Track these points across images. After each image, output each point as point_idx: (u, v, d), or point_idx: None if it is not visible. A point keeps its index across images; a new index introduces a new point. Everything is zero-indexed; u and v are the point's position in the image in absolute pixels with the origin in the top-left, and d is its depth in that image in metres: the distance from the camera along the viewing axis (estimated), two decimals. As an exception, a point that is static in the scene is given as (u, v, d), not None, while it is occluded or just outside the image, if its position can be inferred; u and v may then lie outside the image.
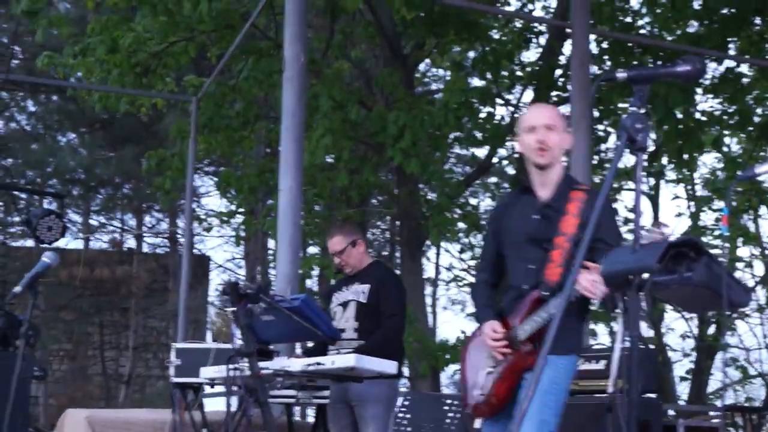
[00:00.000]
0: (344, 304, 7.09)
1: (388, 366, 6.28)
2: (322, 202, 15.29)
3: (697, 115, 14.45)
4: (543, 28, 15.12)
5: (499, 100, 15.28)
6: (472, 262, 20.11)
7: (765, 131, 14.07)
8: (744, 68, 14.10)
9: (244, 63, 13.37)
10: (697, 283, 3.13)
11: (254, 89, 13.63)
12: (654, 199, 21.61)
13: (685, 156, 14.85)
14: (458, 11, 13.01)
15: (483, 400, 5.08)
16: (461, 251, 20.06)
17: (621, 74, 3.33)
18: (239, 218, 17.93)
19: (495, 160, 16.50)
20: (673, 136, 13.68)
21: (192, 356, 7.62)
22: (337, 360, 6.20)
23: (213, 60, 13.96)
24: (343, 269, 7.17)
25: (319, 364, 6.15)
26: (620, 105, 14.06)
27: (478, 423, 5.26)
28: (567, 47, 14.44)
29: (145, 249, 27.31)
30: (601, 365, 7.39)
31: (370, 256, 7.42)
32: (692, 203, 21.24)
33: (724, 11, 13.50)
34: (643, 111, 3.21)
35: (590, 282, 4.59)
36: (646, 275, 3.15)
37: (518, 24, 15.04)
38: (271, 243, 23.68)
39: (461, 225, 16.14)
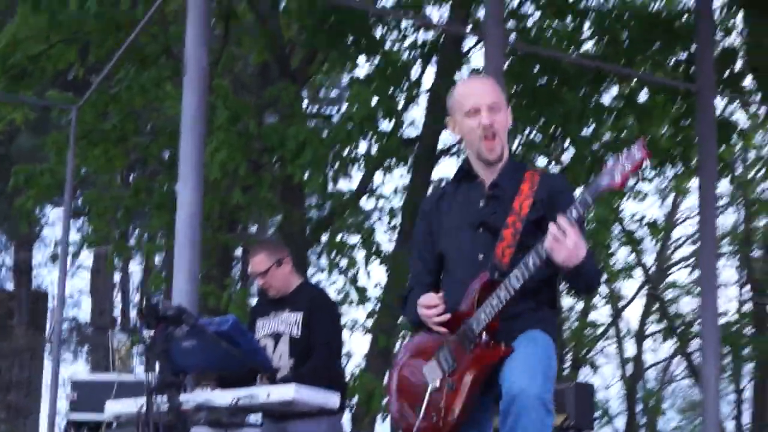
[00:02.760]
0: (275, 336, 6.27)
1: (332, 398, 5.59)
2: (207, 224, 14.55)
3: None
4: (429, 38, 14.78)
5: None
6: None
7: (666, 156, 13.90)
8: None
9: (127, 70, 12.57)
10: None
11: (137, 99, 12.80)
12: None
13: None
14: (354, 17, 12.55)
15: (443, 422, 4.22)
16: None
17: None
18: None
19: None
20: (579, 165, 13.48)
21: (91, 390, 6.87)
22: (273, 392, 5.45)
23: (95, 59, 13.24)
24: (267, 292, 6.36)
25: (251, 396, 5.44)
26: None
27: None
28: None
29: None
30: None
31: (297, 275, 6.60)
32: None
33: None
34: None
35: (556, 231, 3.97)
36: None
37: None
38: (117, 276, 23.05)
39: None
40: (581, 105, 12.92)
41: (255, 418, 6.02)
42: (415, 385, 4.38)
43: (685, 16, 13.70)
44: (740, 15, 14.14)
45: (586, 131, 13.62)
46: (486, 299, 4.21)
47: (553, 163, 15.65)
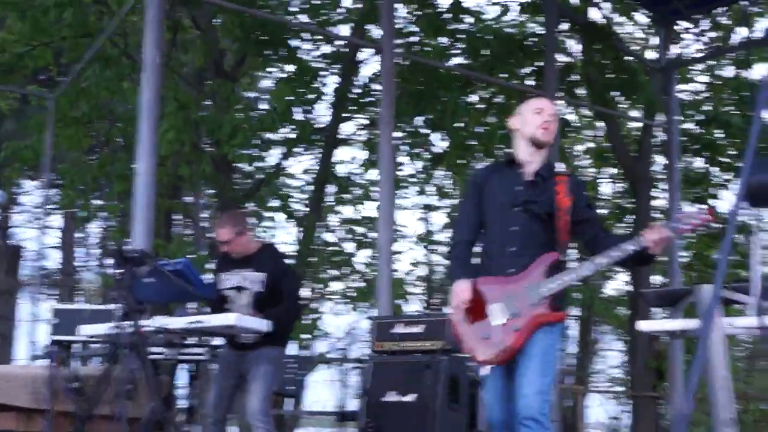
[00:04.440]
0: (238, 289, 6.12)
1: (264, 324, 5.62)
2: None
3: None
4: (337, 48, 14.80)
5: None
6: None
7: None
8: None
9: (94, 69, 12.45)
10: None
11: (102, 92, 12.68)
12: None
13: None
14: (276, 31, 12.58)
15: (499, 350, 4.40)
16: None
17: None
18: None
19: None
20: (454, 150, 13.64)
21: (68, 316, 6.81)
22: (215, 318, 5.48)
23: (67, 60, 13.04)
24: (230, 254, 6.16)
25: (199, 322, 5.44)
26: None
27: (485, 370, 4.57)
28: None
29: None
30: (420, 329, 6.94)
31: (256, 240, 6.49)
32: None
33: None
34: None
35: (658, 238, 4.30)
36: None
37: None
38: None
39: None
40: (454, 104, 13.04)
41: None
42: (478, 318, 4.48)
43: (535, 38, 13.93)
44: (576, 39, 14.48)
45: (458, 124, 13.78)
46: (553, 273, 4.41)
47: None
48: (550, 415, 4.32)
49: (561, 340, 4.51)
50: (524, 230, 4.47)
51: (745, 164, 2.19)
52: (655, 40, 13.28)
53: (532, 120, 4.59)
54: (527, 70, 14.03)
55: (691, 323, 4.72)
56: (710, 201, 16.21)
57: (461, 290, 4.44)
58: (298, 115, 13.63)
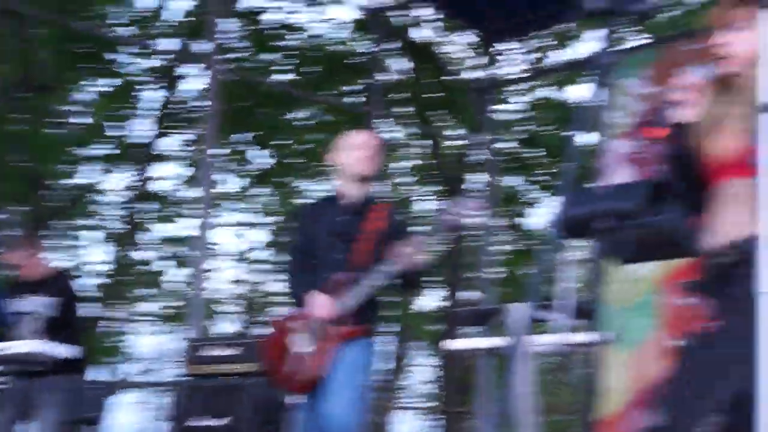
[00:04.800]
0: (30, 314, 6.01)
1: (75, 350, 5.43)
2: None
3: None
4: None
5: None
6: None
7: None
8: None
9: None
10: (670, 227, 2.45)
11: None
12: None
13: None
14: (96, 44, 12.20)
15: (302, 378, 4.65)
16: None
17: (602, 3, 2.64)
18: None
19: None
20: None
21: None
22: (25, 345, 5.24)
23: None
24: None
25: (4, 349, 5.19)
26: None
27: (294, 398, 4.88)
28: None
29: None
30: (235, 351, 6.80)
31: (45, 263, 6.32)
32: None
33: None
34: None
35: (406, 254, 4.53)
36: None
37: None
38: None
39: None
40: (278, 121, 12.96)
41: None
42: (285, 349, 4.72)
43: (362, 56, 13.99)
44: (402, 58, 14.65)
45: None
46: (346, 291, 4.63)
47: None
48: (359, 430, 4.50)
49: (367, 356, 4.65)
50: (343, 259, 4.71)
51: (560, 195, 2.21)
52: (478, 61, 13.53)
53: (355, 155, 4.83)
54: (354, 87, 14.09)
55: (499, 341, 4.93)
56: (526, 219, 16.72)
57: (319, 304, 4.64)
58: (118, 130, 13.27)
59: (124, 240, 14.30)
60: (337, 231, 4.79)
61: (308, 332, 4.66)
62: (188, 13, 13.99)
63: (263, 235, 21.10)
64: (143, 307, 19.14)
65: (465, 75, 14.96)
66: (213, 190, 9.42)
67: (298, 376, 4.63)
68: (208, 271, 17.49)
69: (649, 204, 2.34)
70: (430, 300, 22.53)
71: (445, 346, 5.56)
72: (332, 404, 4.42)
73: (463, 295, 14.91)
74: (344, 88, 14.13)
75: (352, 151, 4.83)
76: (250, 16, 12.83)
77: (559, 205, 2.16)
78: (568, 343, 4.74)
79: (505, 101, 15.87)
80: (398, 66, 14.79)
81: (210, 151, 9.44)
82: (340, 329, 4.58)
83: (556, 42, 14.34)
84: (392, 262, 4.53)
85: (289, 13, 12.76)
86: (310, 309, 4.64)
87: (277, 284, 19.79)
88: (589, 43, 14.45)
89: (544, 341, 4.71)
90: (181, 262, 17.29)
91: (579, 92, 14.67)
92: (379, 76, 11.56)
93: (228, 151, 14.38)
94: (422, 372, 27.08)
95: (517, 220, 16.64)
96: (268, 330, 5.00)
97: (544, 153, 15.91)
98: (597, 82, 2.42)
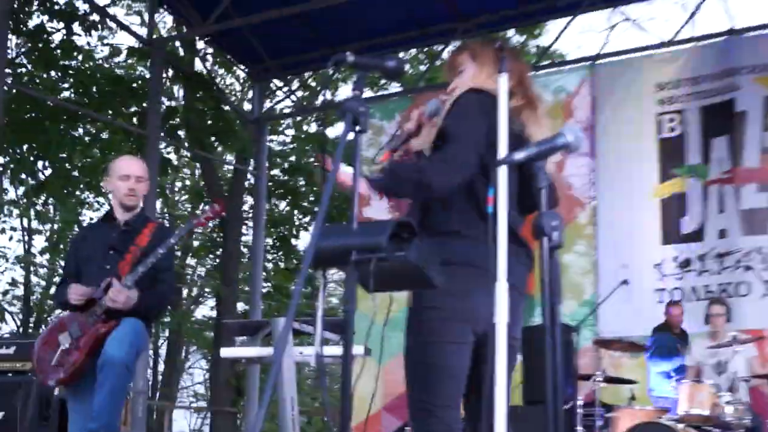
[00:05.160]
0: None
1: None
2: None
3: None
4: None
5: None
6: None
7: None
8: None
9: None
10: (411, 262, 2.48)
11: None
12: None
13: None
14: None
15: (64, 372, 4.64)
16: None
17: (350, 58, 2.63)
18: None
19: None
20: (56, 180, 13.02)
21: None
22: None
23: None
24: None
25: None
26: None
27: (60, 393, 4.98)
28: None
29: None
30: (11, 350, 6.70)
31: None
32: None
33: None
34: (361, 96, 2.59)
35: (112, 294, 4.54)
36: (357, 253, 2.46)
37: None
38: None
39: None
40: (59, 136, 12.44)
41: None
42: (52, 347, 4.71)
43: (141, 81, 13.73)
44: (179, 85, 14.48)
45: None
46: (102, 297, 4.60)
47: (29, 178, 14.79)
48: (119, 427, 4.49)
49: (134, 331, 4.60)
50: (112, 268, 4.69)
51: (315, 228, 2.28)
52: (251, 94, 13.57)
53: (119, 186, 4.81)
54: (133, 109, 13.75)
55: (266, 350, 5.04)
56: (292, 240, 16.85)
57: (75, 290, 4.64)
58: None
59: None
60: (109, 246, 4.76)
61: (70, 329, 4.66)
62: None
63: (41, 241, 20.37)
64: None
65: (240, 106, 14.95)
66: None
67: (63, 367, 4.61)
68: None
69: (394, 241, 2.44)
70: (202, 309, 22.33)
71: (219, 354, 5.53)
72: (94, 403, 4.36)
73: (234, 305, 14.81)
74: (126, 109, 13.75)
75: (118, 181, 4.81)
76: (37, 34, 12.24)
77: (313, 237, 2.22)
78: (327, 354, 4.88)
79: (276, 132, 15.99)
80: (176, 93, 14.61)
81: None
82: (96, 329, 4.58)
83: (321, 83, 14.58)
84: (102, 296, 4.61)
85: (73, 35, 12.26)
86: (68, 299, 4.64)
87: (53, 288, 18.96)
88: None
89: (306, 352, 4.85)
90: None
91: (339, 130, 14.97)
92: (158, 101, 11.38)
93: (6, 159, 13.69)
94: (197, 374, 26.78)
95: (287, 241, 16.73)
96: (41, 331, 4.94)
97: (305, 182, 16.10)
98: (347, 123, 2.49)
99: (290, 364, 4.88)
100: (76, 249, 4.98)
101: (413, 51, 14.32)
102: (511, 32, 13.28)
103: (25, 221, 20.38)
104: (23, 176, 14.46)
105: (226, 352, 5.44)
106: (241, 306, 15.58)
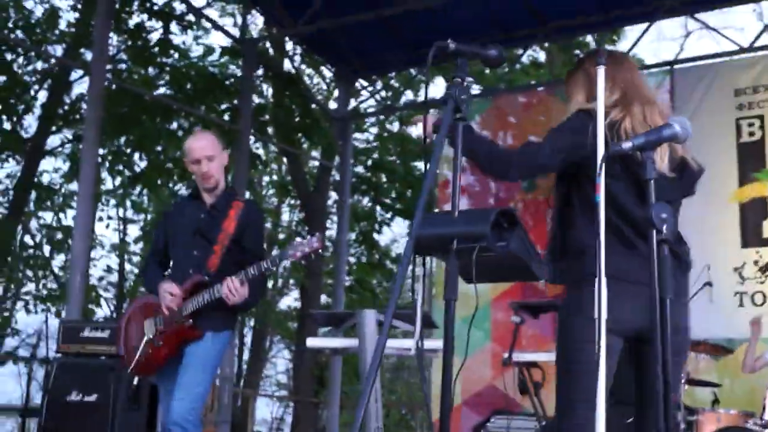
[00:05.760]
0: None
1: None
2: None
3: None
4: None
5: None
6: None
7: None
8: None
9: None
10: (512, 252, 2.43)
11: None
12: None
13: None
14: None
15: (144, 361, 4.48)
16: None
17: (452, 45, 2.54)
18: None
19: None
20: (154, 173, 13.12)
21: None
22: None
23: None
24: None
25: None
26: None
27: (153, 379, 4.68)
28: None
29: None
30: (105, 333, 6.66)
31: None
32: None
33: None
34: (464, 83, 2.49)
35: (231, 289, 4.25)
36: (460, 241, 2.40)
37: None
38: None
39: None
40: (155, 129, 12.63)
41: None
42: (137, 332, 4.52)
43: (233, 78, 13.84)
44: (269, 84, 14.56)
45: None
46: (197, 293, 4.36)
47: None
48: (199, 420, 4.28)
49: (216, 353, 4.39)
50: (200, 255, 4.47)
51: (416, 217, 2.19)
52: (337, 93, 13.57)
53: (194, 170, 4.58)
54: (225, 105, 13.88)
55: (351, 341, 4.87)
56: (374, 235, 16.82)
57: (166, 288, 4.41)
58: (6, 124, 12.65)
59: (7, 225, 13.62)
60: (196, 230, 4.52)
61: (155, 319, 4.46)
62: (76, 22, 13.53)
63: (136, 230, 20.75)
64: (27, 287, 18.43)
65: (326, 105, 14.97)
66: (91, 187, 9.02)
67: (143, 360, 4.47)
68: (91, 260, 17.05)
69: (497, 230, 2.34)
70: (286, 300, 22.47)
71: (306, 344, 5.39)
72: (175, 394, 4.23)
73: (318, 297, 14.85)
74: (218, 105, 13.89)
75: (192, 165, 4.56)
76: (137, 32, 12.43)
77: (416, 224, 2.13)
78: (412, 347, 4.76)
79: (360, 130, 15.98)
80: (265, 90, 14.70)
81: (89, 150, 9.09)
82: (179, 329, 4.36)
83: (404, 84, 14.52)
84: (215, 291, 4.31)
85: (171, 33, 12.43)
86: (158, 298, 4.43)
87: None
88: (437, 87, 14.70)
89: (392, 345, 4.75)
90: (62, 248, 16.73)
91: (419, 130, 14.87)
92: (250, 98, 11.44)
93: (105, 151, 13.94)
94: (279, 364, 26.96)
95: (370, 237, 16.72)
96: (123, 316, 4.76)
97: (388, 179, 16.04)
98: (449, 110, 2.40)
99: (376, 357, 4.71)
100: (166, 225, 4.75)
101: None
102: (589, 38, 13.03)
103: (121, 211, 20.76)
104: (120, 168, 14.72)
105: (312, 342, 5.36)
106: (323, 298, 15.60)
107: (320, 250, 4.39)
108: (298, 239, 4.30)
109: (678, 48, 13.90)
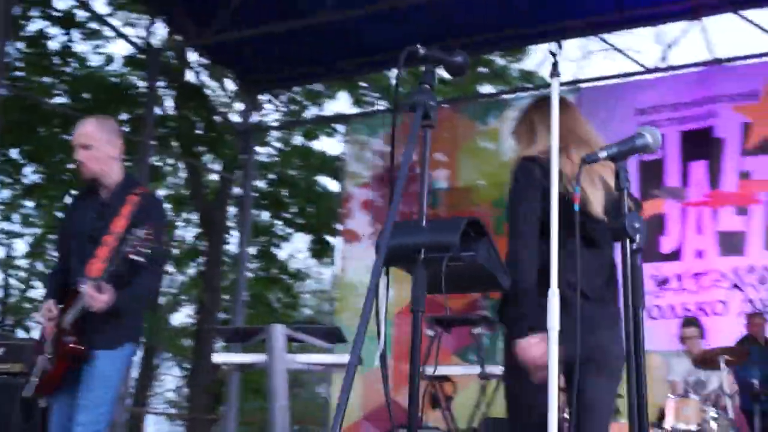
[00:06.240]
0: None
1: None
2: None
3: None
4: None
5: None
6: None
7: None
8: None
9: None
10: (479, 262, 2.33)
11: None
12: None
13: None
14: None
15: (42, 382, 3.98)
16: None
17: (421, 51, 2.41)
18: None
19: None
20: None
21: None
22: None
23: None
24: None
25: None
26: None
27: (43, 402, 4.33)
28: None
29: None
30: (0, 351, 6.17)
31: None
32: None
33: None
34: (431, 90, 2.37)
35: (88, 295, 3.72)
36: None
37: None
38: None
39: None
40: (52, 139, 12.08)
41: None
42: (40, 351, 4.04)
43: (135, 89, 13.39)
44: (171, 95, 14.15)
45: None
46: (74, 305, 3.85)
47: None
48: None
49: (114, 371, 3.89)
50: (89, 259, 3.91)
51: (385, 229, 2.02)
52: (240, 106, 13.26)
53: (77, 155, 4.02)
54: (125, 116, 13.40)
55: (259, 357, 4.64)
56: (272, 249, 16.50)
57: (45, 310, 3.95)
58: None
59: None
60: (87, 232, 3.94)
61: (48, 338, 3.99)
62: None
63: (23, 245, 19.83)
64: None
65: (228, 117, 14.62)
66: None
67: (44, 380, 3.99)
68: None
69: (465, 239, 2.20)
70: (178, 317, 21.88)
71: (202, 359, 5.09)
72: (76, 415, 3.80)
73: (214, 313, 14.41)
74: (118, 116, 13.39)
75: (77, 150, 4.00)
76: (36, 40, 11.87)
77: (385, 233, 1.94)
78: (319, 362, 4.62)
79: (263, 144, 15.67)
80: (168, 102, 14.27)
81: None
82: (67, 344, 3.87)
83: (308, 99, 14.33)
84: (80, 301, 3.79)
85: (70, 41, 11.92)
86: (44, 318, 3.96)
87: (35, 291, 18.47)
88: (338, 102, 14.55)
89: (299, 360, 4.55)
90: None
91: (327, 144, 14.75)
92: (153, 109, 11.04)
93: None
94: (168, 380, 26.21)
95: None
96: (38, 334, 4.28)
97: (289, 193, 15.79)
98: (418, 117, 2.26)
99: (283, 372, 4.52)
100: (63, 227, 4.21)
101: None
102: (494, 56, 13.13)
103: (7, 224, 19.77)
104: (5, 179, 14.01)
105: (218, 357, 5.14)
106: (221, 314, 15.19)
107: (149, 240, 3.71)
108: (137, 232, 3.72)
109: (576, 68, 14.10)
